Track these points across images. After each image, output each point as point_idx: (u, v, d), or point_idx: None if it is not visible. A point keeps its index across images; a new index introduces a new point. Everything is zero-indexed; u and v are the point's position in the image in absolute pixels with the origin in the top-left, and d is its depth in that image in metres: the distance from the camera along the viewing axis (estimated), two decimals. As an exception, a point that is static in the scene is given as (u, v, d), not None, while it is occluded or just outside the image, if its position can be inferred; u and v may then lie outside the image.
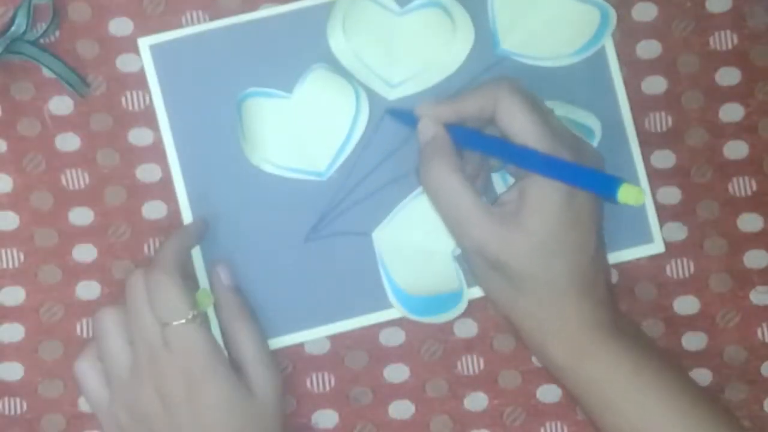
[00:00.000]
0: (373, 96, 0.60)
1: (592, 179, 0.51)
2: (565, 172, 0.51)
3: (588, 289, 0.53)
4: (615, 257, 0.60)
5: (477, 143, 0.55)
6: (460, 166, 0.54)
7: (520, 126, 0.52)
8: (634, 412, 0.52)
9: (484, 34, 0.60)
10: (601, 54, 0.60)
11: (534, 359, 0.60)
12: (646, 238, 0.60)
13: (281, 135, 0.59)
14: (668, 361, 0.54)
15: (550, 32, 0.60)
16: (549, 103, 0.56)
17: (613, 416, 0.52)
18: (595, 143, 0.59)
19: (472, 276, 0.57)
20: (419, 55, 0.60)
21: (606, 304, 0.54)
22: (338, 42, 0.59)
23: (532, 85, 0.55)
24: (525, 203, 0.52)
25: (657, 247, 0.61)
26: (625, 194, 0.48)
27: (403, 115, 0.58)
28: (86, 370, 0.55)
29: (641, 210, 0.60)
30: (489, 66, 0.60)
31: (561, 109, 0.58)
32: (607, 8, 0.59)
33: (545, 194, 0.51)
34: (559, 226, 0.51)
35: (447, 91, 0.59)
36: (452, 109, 0.55)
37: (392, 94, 0.60)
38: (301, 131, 0.60)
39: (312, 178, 0.60)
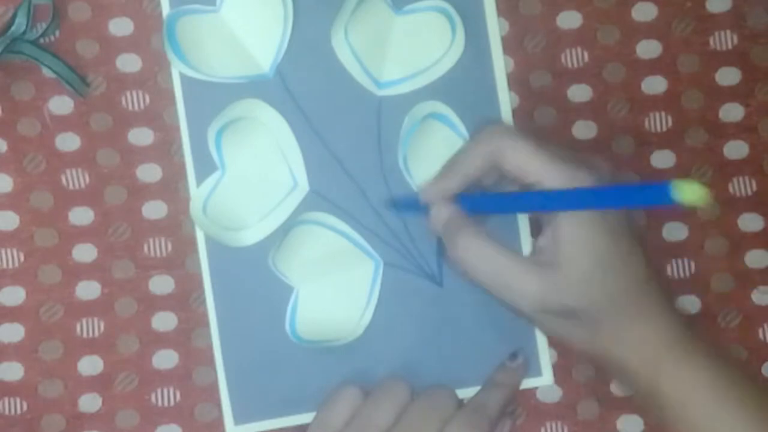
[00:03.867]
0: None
1: (639, 194, 0.47)
2: (608, 198, 0.49)
3: (654, 306, 0.51)
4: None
5: (494, 206, 0.54)
6: (486, 232, 0.52)
7: (536, 168, 0.51)
8: (715, 429, 0.50)
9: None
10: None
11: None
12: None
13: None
14: (747, 375, 0.52)
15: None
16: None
17: None
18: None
19: (541, 332, 0.55)
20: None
21: (676, 321, 0.52)
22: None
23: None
24: (561, 242, 0.50)
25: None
26: (687, 193, 0.43)
27: (407, 202, 0.58)
28: None
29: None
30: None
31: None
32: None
33: (580, 225, 0.50)
34: (603, 251, 0.50)
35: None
36: (457, 180, 0.54)
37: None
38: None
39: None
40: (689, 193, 0.42)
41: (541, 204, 0.51)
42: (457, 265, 0.54)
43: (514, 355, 0.59)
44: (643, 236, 0.53)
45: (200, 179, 0.60)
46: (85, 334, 0.60)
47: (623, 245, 0.51)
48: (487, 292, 0.53)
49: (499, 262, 0.52)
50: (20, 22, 0.58)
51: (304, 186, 0.60)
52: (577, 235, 0.50)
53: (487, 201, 0.55)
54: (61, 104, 0.60)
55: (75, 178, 0.60)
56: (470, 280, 0.53)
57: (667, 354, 0.51)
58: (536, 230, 0.57)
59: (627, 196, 0.48)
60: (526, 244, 0.60)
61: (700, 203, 0.42)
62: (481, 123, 0.59)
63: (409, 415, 0.55)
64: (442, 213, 0.54)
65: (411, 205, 0.58)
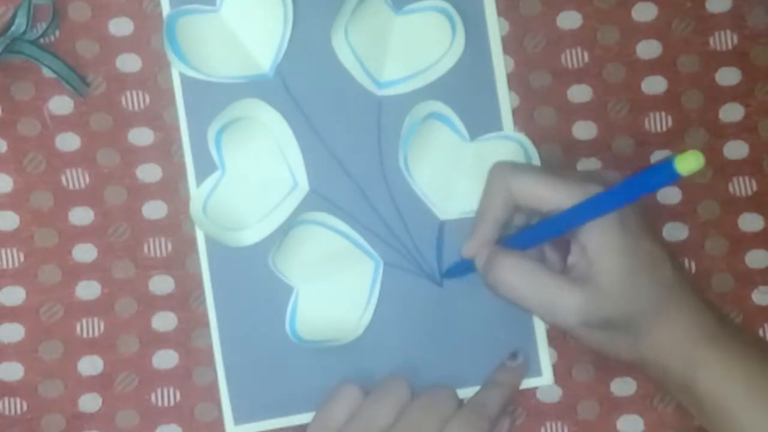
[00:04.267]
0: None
1: (647, 180, 0.49)
2: (618, 197, 0.50)
3: (685, 302, 0.52)
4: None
5: (525, 241, 0.55)
6: (522, 256, 0.54)
7: (548, 195, 0.52)
8: (751, 421, 0.51)
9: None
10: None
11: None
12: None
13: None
14: None
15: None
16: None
17: (732, 427, 0.51)
18: None
19: (587, 346, 0.54)
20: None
21: (708, 315, 0.52)
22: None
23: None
24: (589, 253, 0.51)
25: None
26: (684, 164, 0.45)
27: (459, 268, 0.59)
28: None
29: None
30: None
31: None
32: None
33: (601, 233, 0.51)
34: (629, 253, 0.51)
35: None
36: (489, 228, 0.55)
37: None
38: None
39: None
40: (690, 162, 0.44)
41: (564, 223, 0.52)
42: (497, 289, 0.54)
43: (514, 355, 0.59)
44: (660, 232, 0.54)
45: (200, 179, 0.60)
46: (85, 334, 0.60)
47: (646, 245, 0.52)
48: (528, 311, 0.54)
49: (539, 280, 0.52)
50: (20, 22, 0.58)
51: (304, 186, 0.60)
52: (601, 242, 0.51)
53: (518, 238, 0.55)
54: (61, 104, 0.60)
55: (75, 178, 0.60)
56: (510, 302, 0.54)
57: (703, 349, 0.51)
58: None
59: (637, 186, 0.49)
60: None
61: (699, 167, 0.44)
62: (481, 123, 0.60)
63: (409, 415, 0.55)
64: (483, 254, 0.55)
65: (463, 268, 0.58)
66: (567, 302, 0.52)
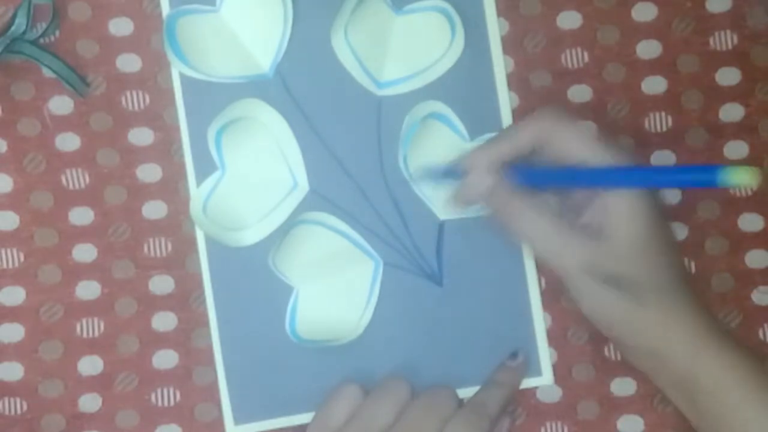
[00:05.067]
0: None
1: (692, 174, 0.49)
2: (661, 178, 0.51)
3: (693, 296, 0.52)
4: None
5: (547, 179, 0.54)
6: (535, 200, 0.53)
7: (583, 149, 0.52)
8: (756, 415, 0.51)
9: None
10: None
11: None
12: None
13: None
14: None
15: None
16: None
17: (732, 423, 0.51)
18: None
19: (581, 304, 0.53)
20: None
21: (706, 312, 0.53)
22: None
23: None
24: (610, 214, 0.51)
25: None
26: (737, 177, 0.45)
27: (440, 170, 0.58)
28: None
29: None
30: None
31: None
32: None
33: (632, 202, 0.51)
34: (650, 226, 0.51)
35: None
36: (506, 149, 0.54)
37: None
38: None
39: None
40: (741, 177, 0.45)
41: (596, 180, 0.52)
42: (506, 225, 0.53)
43: (514, 355, 0.59)
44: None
45: (200, 179, 0.60)
46: (85, 334, 0.60)
47: (668, 233, 0.53)
48: (527, 248, 0.55)
49: (553, 226, 0.52)
50: (20, 22, 0.58)
51: (304, 186, 0.60)
52: (627, 208, 0.51)
53: (540, 174, 0.54)
54: (61, 104, 0.60)
55: (75, 178, 0.60)
56: (510, 237, 0.54)
57: (706, 341, 0.51)
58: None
59: (676, 176, 0.51)
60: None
61: (750, 184, 0.45)
62: (481, 123, 0.60)
63: (409, 414, 0.55)
64: (484, 180, 0.54)
65: (444, 172, 0.57)
66: (576, 249, 0.51)
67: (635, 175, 0.51)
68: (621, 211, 0.51)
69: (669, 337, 0.52)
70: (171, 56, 0.59)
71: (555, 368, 0.61)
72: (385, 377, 0.57)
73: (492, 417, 0.55)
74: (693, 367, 0.51)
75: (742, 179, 0.45)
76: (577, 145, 0.52)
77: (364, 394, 0.56)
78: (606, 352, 0.61)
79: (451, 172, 0.56)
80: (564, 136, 0.52)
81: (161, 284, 0.60)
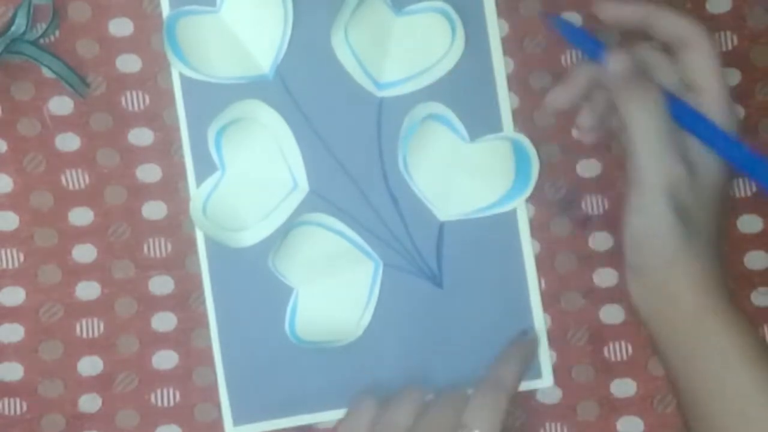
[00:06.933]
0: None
1: None
2: (750, 161, 0.51)
3: (716, 261, 0.53)
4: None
5: (691, 122, 0.53)
6: (658, 105, 0.51)
7: (717, 92, 0.52)
8: (747, 383, 0.51)
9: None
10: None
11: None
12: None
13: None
14: None
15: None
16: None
17: (724, 384, 0.51)
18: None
19: (634, 211, 0.52)
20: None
21: (723, 275, 0.53)
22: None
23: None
24: (703, 163, 0.52)
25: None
26: None
27: (582, 33, 0.56)
28: None
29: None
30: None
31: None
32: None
33: (721, 164, 0.52)
34: (725, 190, 0.53)
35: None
36: (641, 16, 0.53)
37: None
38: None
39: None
40: None
41: (728, 150, 0.52)
42: (625, 119, 0.51)
43: (524, 332, 0.59)
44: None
45: (200, 179, 0.60)
46: (85, 334, 0.60)
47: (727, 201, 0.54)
48: (630, 146, 0.51)
49: (668, 136, 0.51)
50: (20, 23, 0.58)
51: (303, 187, 0.60)
52: (717, 170, 0.52)
53: (689, 114, 0.52)
54: (61, 104, 0.60)
55: (75, 178, 0.60)
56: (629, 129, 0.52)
57: (715, 295, 0.52)
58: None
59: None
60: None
61: None
62: (481, 124, 0.60)
63: (426, 413, 0.55)
64: (623, 62, 0.52)
65: (584, 37, 0.56)
66: (674, 169, 0.51)
67: (731, 150, 0.51)
68: (711, 166, 0.52)
69: (696, 279, 0.52)
70: (171, 57, 0.59)
71: (555, 369, 0.61)
72: (385, 379, 0.57)
73: (509, 393, 0.55)
74: (698, 327, 0.52)
75: None
76: (716, 87, 0.52)
77: (379, 405, 0.56)
78: (606, 354, 0.61)
79: (591, 41, 0.55)
80: (705, 66, 0.52)
81: (161, 284, 0.61)
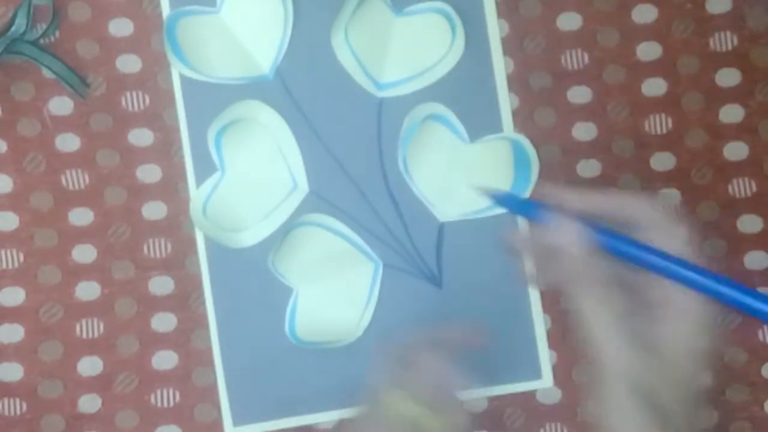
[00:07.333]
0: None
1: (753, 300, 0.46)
2: (725, 293, 0.47)
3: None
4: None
5: (620, 249, 0.48)
6: (611, 293, 0.48)
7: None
8: None
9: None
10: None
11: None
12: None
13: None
14: None
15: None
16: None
17: None
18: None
19: (596, 410, 0.50)
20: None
21: None
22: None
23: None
24: (667, 314, 0.48)
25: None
26: None
27: (519, 204, 0.55)
28: None
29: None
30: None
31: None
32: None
33: (690, 304, 0.48)
34: (701, 336, 0.48)
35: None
36: (602, 204, 0.49)
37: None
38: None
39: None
40: None
41: (681, 276, 0.48)
42: (561, 289, 0.50)
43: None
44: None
45: (200, 180, 0.60)
46: (85, 335, 0.60)
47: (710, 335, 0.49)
48: (584, 333, 0.49)
49: (617, 323, 0.48)
50: (20, 23, 0.58)
51: (303, 187, 0.60)
52: (685, 315, 0.48)
53: (612, 239, 0.49)
54: (61, 105, 0.60)
55: (75, 179, 0.60)
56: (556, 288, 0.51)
57: None
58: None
59: (746, 300, 0.46)
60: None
61: None
62: (481, 125, 0.60)
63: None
64: (571, 228, 0.49)
65: (521, 204, 0.55)
66: (627, 359, 0.48)
67: (720, 288, 0.47)
68: (684, 332, 0.48)
69: None
70: (171, 57, 0.59)
71: (555, 370, 0.61)
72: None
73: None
74: None
75: None
76: (669, 243, 0.48)
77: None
78: (605, 354, 0.61)
79: (529, 207, 0.52)
80: (659, 233, 0.48)
81: (161, 285, 0.61)
